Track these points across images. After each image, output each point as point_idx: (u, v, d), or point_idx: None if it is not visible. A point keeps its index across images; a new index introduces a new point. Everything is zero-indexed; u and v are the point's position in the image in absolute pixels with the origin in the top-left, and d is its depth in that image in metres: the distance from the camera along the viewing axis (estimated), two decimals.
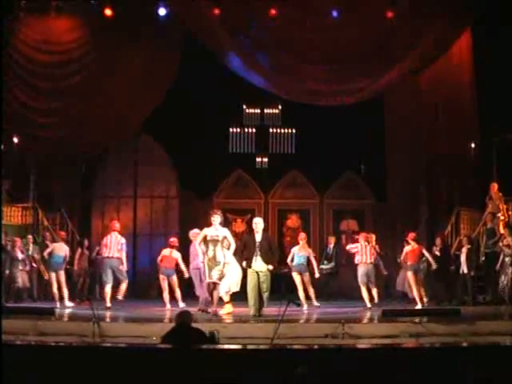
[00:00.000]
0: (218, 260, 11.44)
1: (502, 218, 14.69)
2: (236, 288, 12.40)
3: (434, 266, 13.59)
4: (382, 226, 17.07)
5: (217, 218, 11.59)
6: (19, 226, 16.10)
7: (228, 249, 11.65)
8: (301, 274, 13.58)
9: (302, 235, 14.19)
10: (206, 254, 11.50)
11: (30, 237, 15.26)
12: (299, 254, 13.74)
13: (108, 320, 10.62)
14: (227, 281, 11.98)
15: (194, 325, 6.58)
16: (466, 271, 13.96)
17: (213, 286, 11.49)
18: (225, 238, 11.62)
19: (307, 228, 18.68)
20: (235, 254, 11.92)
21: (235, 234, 16.79)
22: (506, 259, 13.58)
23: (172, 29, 16.35)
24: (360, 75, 15.90)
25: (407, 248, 13.64)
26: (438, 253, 14.51)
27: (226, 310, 12.11)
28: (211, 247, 11.46)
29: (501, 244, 13.82)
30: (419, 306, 12.94)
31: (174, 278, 13.69)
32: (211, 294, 11.52)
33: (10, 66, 16.13)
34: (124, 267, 13.46)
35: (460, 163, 17.12)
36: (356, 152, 17.78)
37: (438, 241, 14.69)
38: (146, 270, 17.83)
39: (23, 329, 9.29)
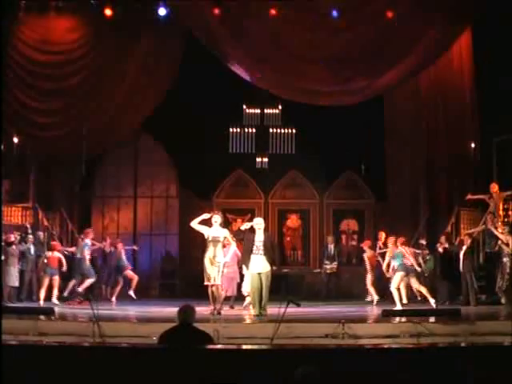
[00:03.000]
0: (217, 261, 11.45)
1: (501, 217, 14.74)
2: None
3: (419, 269, 13.68)
4: (382, 226, 17.05)
5: (217, 219, 11.60)
6: (19, 226, 16.08)
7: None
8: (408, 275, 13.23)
9: (400, 239, 13.66)
10: (206, 255, 11.50)
11: (30, 236, 15.25)
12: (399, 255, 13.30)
13: (108, 320, 10.60)
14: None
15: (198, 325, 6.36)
16: (461, 270, 13.94)
17: (214, 288, 11.51)
18: (225, 238, 11.70)
19: (307, 228, 18.70)
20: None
21: (235, 235, 16.82)
22: (504, 259, 13.59)
23: (172, 29, 16.36)
24: (360, 75, 15.89)
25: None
26: (441, 250, 14.53)
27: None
28: (212, 248, 11.47)
29: (499, 242, 13.83)
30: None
31: (56, 278, 14.55)
32: (212, 295, 11.55)
33: (10, 66, 16.14)
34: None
35: (460, 163, 17.13)
36: (356, 152, 17.76)
37: (443, 239, 14.68)
38: (146, 270, 17.85)
39: (23, 329, 9.28)
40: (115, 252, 15.86)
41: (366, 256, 15.30)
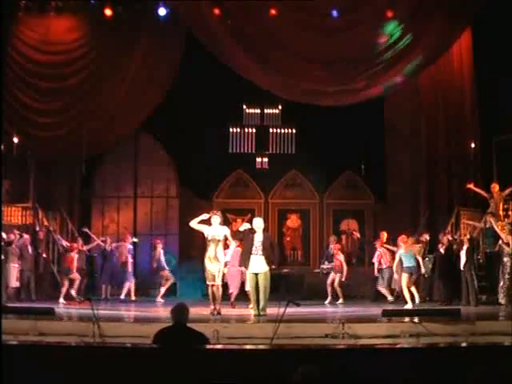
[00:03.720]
0: (218, 260, 11.43)
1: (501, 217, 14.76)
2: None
3: (423, 271, 14.33)
4: (382, 226, 17.06)
5: (216, 219, 11.57)
6: (19, 226, 16.08)
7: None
8: (412, 274, 13.60)
9: (404, 238, 14.05)
10: (207, 254, 11.49)
11: (26, 236, 15.25)
12: (407, 255, 13.62)
13: (108, 320, 10.59)
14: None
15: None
16: (461, 268, 13.94)
17: (215, 287, 11.49)
18: (225, 237, 11.67)
19: (307, 228, 18.69)
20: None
21: (235, 235, 16.81)
22: (505, 259, 13.58)
23: (172, 29, 16.37)
24: (360, 75, 15.89)
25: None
26: (442, 251, 14.53)
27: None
28: (212, 247, 11.44)
29: (500, 242, 13.83)
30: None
31: (71, 276, 15.27)
32: (213, 295, 11.53)
33: (10, 66, 16.15)
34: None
35: (460, 163, 17.15)
36: (356, 152, 17.76)
37: (445, 240, 14.67)
38: (146, 270, 17.82)
39: (23, 329, 9.28)
40: (155, 252, 15.97)
41: (338, 259, 15.38)
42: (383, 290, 15.23)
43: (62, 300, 14.67)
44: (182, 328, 6.05)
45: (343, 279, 15.24)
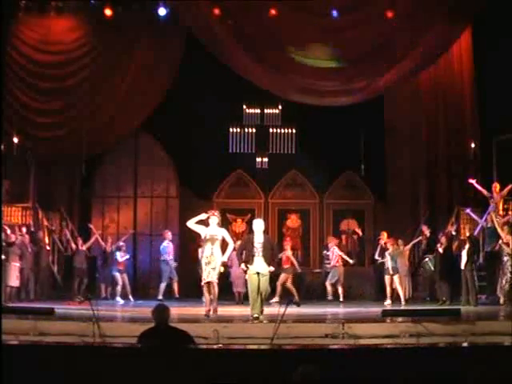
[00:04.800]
0: (215, 258, 11.39)
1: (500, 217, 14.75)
2: None
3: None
4: (382, 226, 17.05)
5: (214, 219, 11.53)
6: (19, 226, 16.07)
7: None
8: (398, 273, 14.57)
9: (391, 240, 14.88)
10: (204, 253, 11.47)
11: (26, 236, 15.24)
12: (393, 256, 14.57)
13: (108, 320, 10.59)
14: None
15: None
16: (462, 268, 13.96)
17: (212, 286, 11.46)
18: (223, 237, 11.62)
19: (307, 228, 18.68)
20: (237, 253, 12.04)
21: (235, 234, 16.82)
22: (505, 258, 13.57)
23: (172, 29, 16.38)
24: (360, 75, 15.90)
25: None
26: (441, 250, 14.54)
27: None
28: (209, 245, 11.41)
29: (500, 242, 13.83)
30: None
31: (125, 276, 15.75)
32: (209, 294, 11.50)
33: (10, 66, 16.16)
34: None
35: (460, 163, 17.15)
36: (356, 152, 17.77)
37: (443, 239, 14.69)
38: (146, 270, 17.84)
39: (23, 329, 9.27)
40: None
41: (286, 255, 15.29)
42: (328, 287, 15.49)
43: (118, 299, 15.35)
44: (165, 328, 6.08)
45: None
